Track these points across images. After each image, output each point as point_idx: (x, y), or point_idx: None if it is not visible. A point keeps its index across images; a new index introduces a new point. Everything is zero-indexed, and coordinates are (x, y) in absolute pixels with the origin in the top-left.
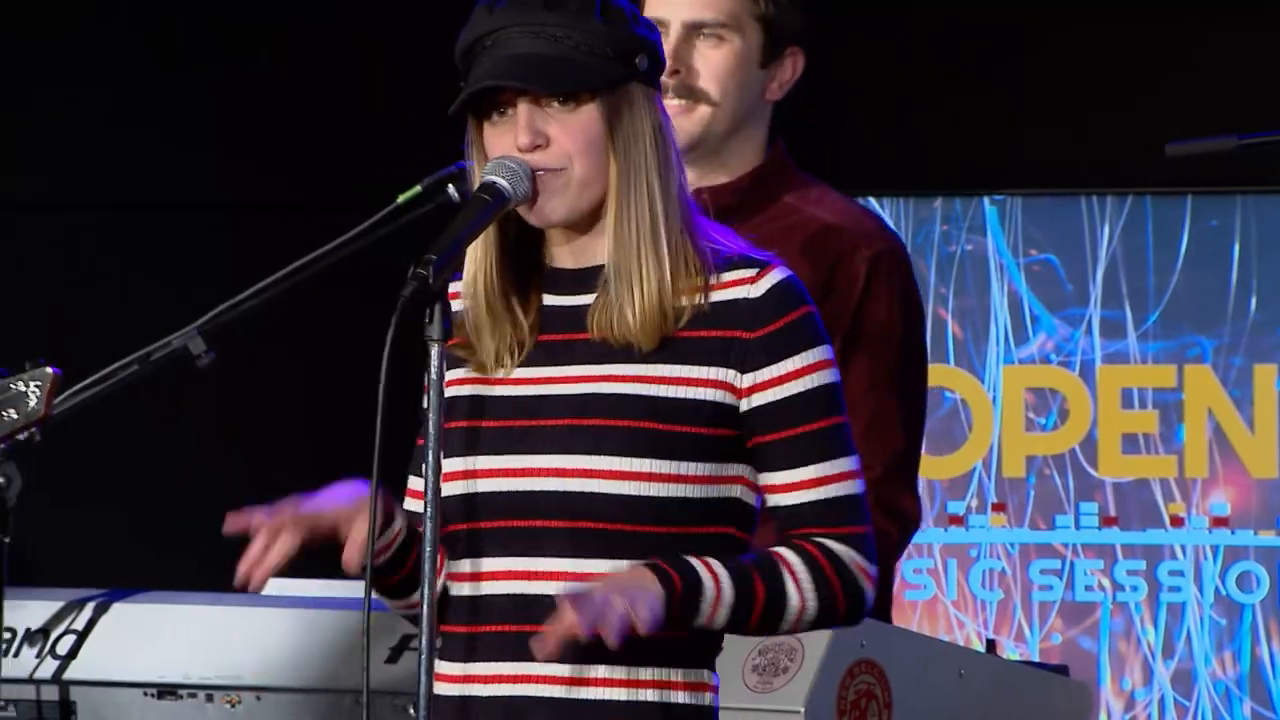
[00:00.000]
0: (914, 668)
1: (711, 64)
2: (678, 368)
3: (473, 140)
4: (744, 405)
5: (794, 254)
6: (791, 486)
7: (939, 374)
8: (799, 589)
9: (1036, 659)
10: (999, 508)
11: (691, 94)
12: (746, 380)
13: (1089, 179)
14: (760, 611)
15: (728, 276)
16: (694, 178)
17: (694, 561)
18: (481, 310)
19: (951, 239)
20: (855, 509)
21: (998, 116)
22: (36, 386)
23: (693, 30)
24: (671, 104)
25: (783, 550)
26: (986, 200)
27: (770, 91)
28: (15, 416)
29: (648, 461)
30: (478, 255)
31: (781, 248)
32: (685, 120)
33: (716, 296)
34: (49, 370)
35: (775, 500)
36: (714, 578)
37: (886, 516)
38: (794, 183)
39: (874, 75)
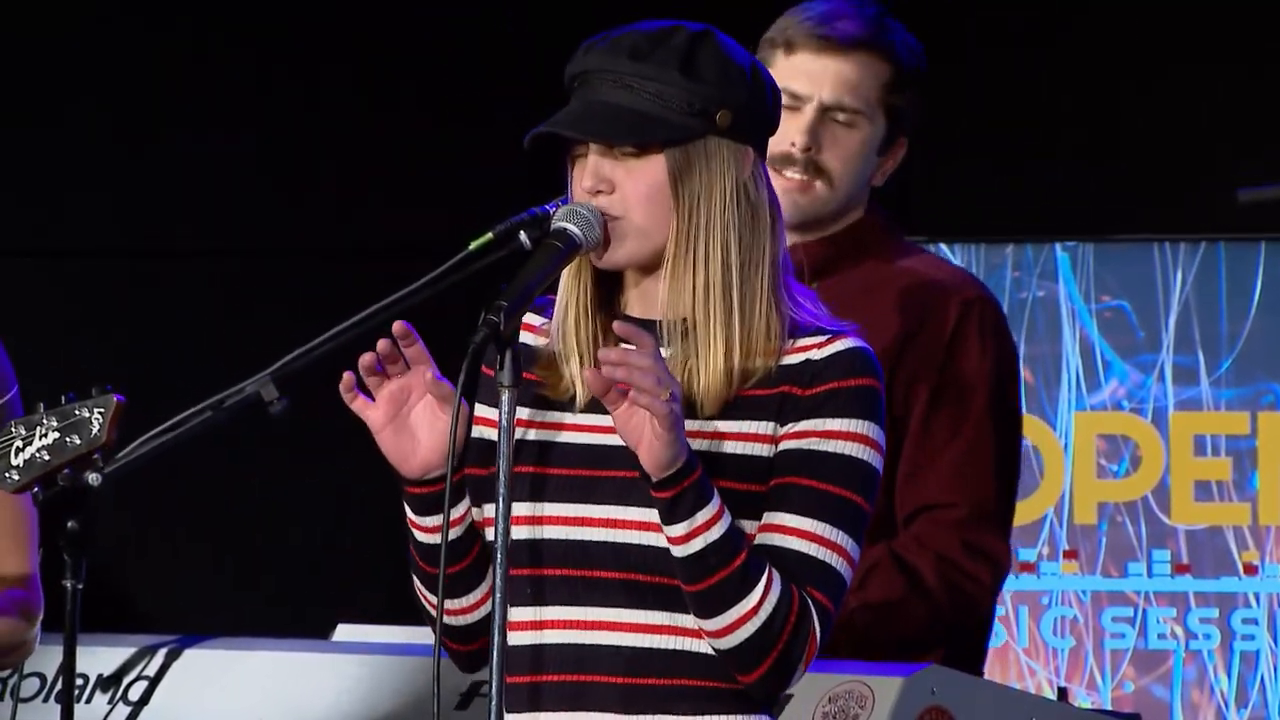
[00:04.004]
0: (985, 716)
1: (841, 145)
2: (738, 424)
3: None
4: (774, 451)
5: (886, 304)
6: (784, 529)
7: None
8: (765, 594)
9: (1109, 707)
10: (1071, 555)
11: (818, 171)
12: (783, 430)
13: (1161, 225)
14: (727, 573)
15: (800, 343)
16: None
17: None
18: (570, 338)
19: (1023, 285)
20: (833, 582)
21: (1069, 162)
22: (99, 413)
23: (829, 111)
24: (793, 178)
25: (772, 568)
26: (1058, 246)
27: (876, 178)
28: (78, 442)
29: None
30: (570, 285)
31: (873, 299)
32: (800, 196)
33: (785, 360)
34: (113, 397)
35: (763, 539)
36: (722, 507)
37: (974, 559)
38: (888, 240)
39: (945, 121)
